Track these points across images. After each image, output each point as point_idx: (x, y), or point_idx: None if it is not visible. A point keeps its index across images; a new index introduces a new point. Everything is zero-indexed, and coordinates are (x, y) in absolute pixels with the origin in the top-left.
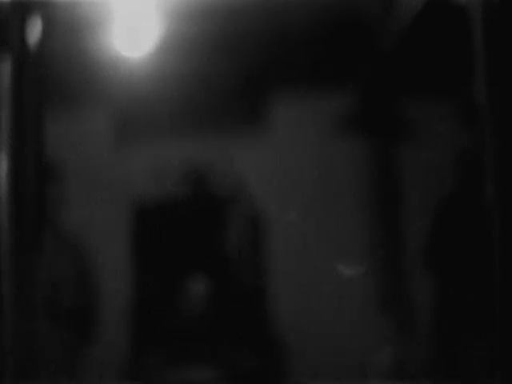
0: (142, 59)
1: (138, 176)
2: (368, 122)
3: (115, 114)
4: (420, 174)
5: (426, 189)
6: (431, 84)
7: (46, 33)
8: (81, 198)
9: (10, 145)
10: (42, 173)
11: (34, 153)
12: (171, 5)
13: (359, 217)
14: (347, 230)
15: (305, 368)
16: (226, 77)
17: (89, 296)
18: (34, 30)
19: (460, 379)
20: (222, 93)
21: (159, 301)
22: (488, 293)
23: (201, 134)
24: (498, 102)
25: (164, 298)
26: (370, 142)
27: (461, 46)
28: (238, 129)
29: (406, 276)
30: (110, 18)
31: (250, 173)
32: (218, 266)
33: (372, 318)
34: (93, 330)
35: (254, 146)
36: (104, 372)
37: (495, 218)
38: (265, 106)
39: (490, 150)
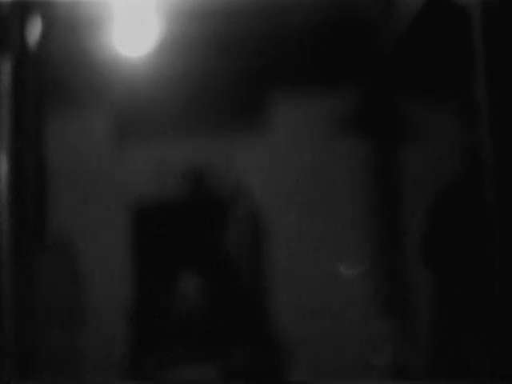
0: (142, 59)
1: (138, 175)
2: (368, 122)
3: (115, 113)
4: (420, 174)
5: (426, 189)
6: (431, 84)
7: (46, 33)
8: (81, 198)
9: (10, 145)
10: (41, 173)
11: (34, 153)
12: (171, 5)
13: (359, 217)
14: (347, 230)
15: (305, 368)
16: (226, 77)
17: (88, 296)
18: (34, 30)
19: (460, 379)
20: (222, 93)
21: (159, 300)
22: (488, 292)
23: (201, 133)
24: (498, 101)
25: (164, 298)
26: (369, 142)
27: (461, 45)
28: (238, 129)
29: (406, 276)
30: (110, 18)
31: (250, 173)
32: (217, 266)
33: (372, 317)
34: (92, 329)
35: (254, 145)
36: (104, 372)
37: (495, 218)
38: (265, 106)
39: (490, 149)
